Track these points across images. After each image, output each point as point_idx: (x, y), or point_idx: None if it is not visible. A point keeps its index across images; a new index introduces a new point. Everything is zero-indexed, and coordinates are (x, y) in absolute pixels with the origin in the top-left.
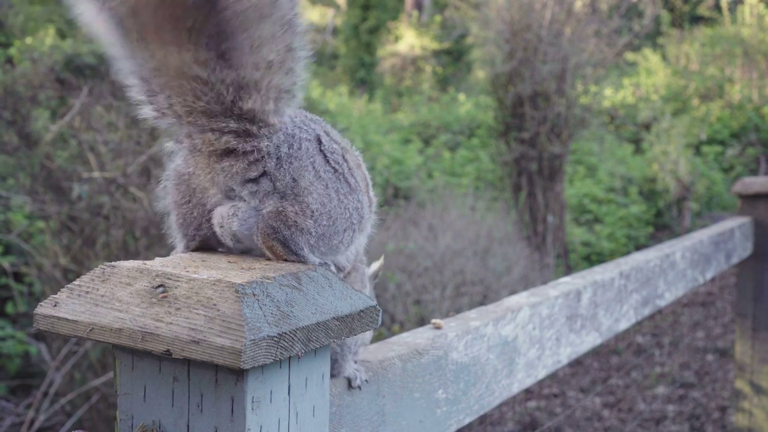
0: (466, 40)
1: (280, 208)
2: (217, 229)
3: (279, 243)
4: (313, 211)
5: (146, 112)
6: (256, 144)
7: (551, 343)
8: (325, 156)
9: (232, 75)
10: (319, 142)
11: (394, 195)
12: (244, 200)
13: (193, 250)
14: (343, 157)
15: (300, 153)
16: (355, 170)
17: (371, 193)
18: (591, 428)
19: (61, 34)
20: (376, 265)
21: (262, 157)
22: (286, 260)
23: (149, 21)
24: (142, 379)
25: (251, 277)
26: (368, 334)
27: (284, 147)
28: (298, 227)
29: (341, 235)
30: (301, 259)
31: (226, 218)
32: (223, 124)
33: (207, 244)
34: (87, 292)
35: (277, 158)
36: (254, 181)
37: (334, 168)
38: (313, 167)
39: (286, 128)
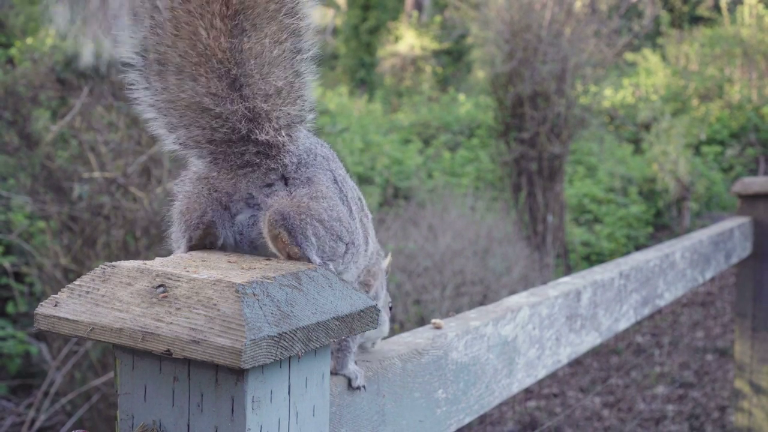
0: (466, 41)
1: (293, 193)
2: (236, 236)
3: (285, 231)
4: (325, 196)
5: (169, 144)
6: (278, 161)
7: (551, 343)
8: (334, 177)
9: (242, 108)
10: (327, 160)
11: (394, 195)
12: (262, 209)
13: (195, 244)
14: (345, 184)
15: (316, 162)
16: (351, 202)
17: (369, 226)
18: (591, 428)
19: (62, 35)
20: (385, 262)
21: (285, 165)
22: (288, 255)
23: (173, 47)
24: (143, 378)
25: (251, 277)
26: (385, 328)
27: (303, 155)
28: (310, 212)
29: (344, 245)
30: (303, 252)
31: (246, 227)
32: (244, 148)
33: (209, 233)
34: (87, 292)
35: (297, 164)
36: (270, 185)
37: (339, 188)
38: (325, 176)
39: (304, 142)
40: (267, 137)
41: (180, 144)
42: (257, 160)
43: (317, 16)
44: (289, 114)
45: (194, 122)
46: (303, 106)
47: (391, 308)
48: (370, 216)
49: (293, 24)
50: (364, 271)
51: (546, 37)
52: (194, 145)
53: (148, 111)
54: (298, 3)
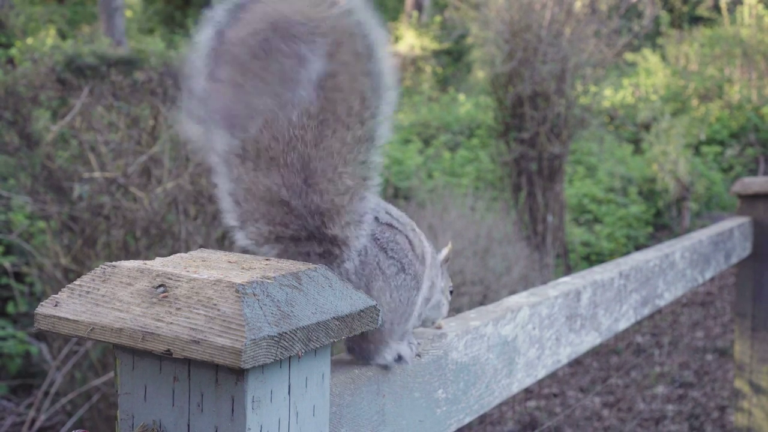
0: (466, 41)
1: None
2: None
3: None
4: (382, 320)
5: (240, 238)
6: (340, 267)
7: (551, 343)
8: (385, 251)
9: (316, 202)
10: (376, 239)
11: (394, 195)
12: None
13: None
14: (395, 241)
15: (368, 258)
16: (408, 252)
17: (426, 249)
18: (590, 428)
19: (62, 35)
20: (445, 251)
21: (346, 270)
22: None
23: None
24: (143, 378)
25: (251, 277)
26: (444, 310)
27: (362, 256)
28: (366, 342)
29: (407, 323)
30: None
31: None
32: (309, 249)
33: None
34: (88, 292)
35: (356, 267)
36: None
37: (391, 257)
38: (380, 269)
39: (363, 242)
40: (336, 232)
41: (250, 239)
42: (321, 263)
43: (391, 127)
44: (356, 210)
45: (266, 216)
46: (367, 206)
47: (451, 291)
48: (426, 249)
49: (368, 131)
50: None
51: (546, 37)
52: (264, 241)
53: (226, 199)
54: (376, 108)
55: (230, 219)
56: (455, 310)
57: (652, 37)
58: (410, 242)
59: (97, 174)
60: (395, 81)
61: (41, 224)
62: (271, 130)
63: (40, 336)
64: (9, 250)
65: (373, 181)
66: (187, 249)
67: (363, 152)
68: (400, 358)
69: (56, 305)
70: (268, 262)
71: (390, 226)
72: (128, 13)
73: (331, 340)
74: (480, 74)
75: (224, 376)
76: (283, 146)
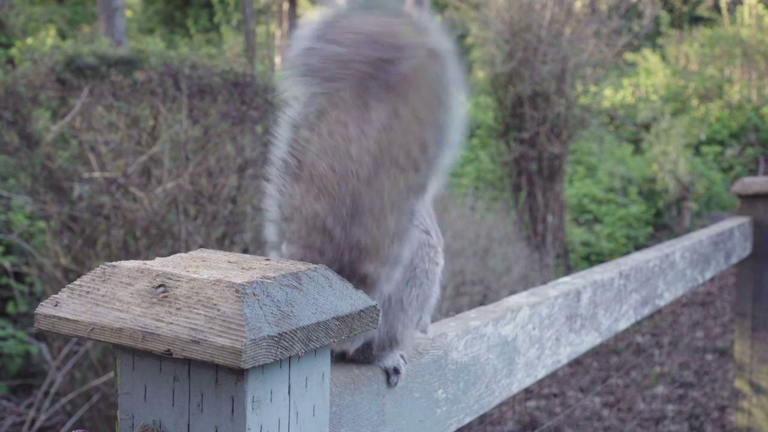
0: (466, 41)
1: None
2: None
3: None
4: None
5: (273, 255)
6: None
7: (551, 343)
8: (423, 264)
9: (358, 235)
10: (421, 247)
11: None
12: None
13: None
14: (435, 261)
15: (414, 263)
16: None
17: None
18: (590, 428)
19: (62, 35)
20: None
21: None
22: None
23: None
24: (143, 378)
25: (251, 277)
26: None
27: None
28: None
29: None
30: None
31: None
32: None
33: None
34: (88, 292)
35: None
36: None
37: (423, 273)
38: (419, 278)
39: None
40: (367, 271)
41: (282, 257)
42: None
43: (444, 179)
44: (393, 252)
45: (305, 239)
46: (402, 252)
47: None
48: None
49: (421, 179)
50: None
51: (546, 37)
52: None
53: (273, 209)
54: (435, 159)
55: (270, 233)
56: (455, 310)
57: (652, 37)
58: (437, 265)
59: (97, 174)
60: (460, 138)
61: (41, 224)
62: (329, 159)
63: (40, 336)
64: (9, 250)
65: (414, 231)
66: (187, 249)
67: (412, 199)
68: (396, 371)
69: (56, 305)
70: (268, 262)
71: (432, 246)
72: (128, 13)
73: (331, 340)
74: (480, 74)
75: (224, 376)
76: (338, 178)
